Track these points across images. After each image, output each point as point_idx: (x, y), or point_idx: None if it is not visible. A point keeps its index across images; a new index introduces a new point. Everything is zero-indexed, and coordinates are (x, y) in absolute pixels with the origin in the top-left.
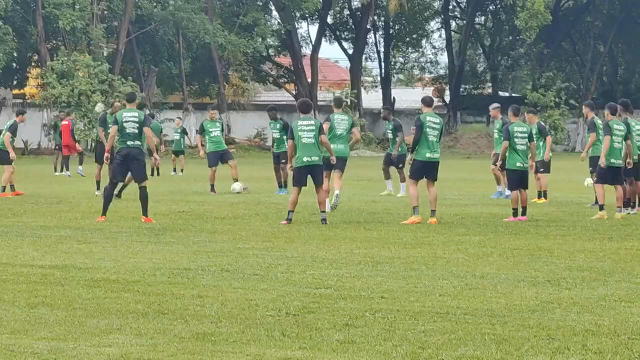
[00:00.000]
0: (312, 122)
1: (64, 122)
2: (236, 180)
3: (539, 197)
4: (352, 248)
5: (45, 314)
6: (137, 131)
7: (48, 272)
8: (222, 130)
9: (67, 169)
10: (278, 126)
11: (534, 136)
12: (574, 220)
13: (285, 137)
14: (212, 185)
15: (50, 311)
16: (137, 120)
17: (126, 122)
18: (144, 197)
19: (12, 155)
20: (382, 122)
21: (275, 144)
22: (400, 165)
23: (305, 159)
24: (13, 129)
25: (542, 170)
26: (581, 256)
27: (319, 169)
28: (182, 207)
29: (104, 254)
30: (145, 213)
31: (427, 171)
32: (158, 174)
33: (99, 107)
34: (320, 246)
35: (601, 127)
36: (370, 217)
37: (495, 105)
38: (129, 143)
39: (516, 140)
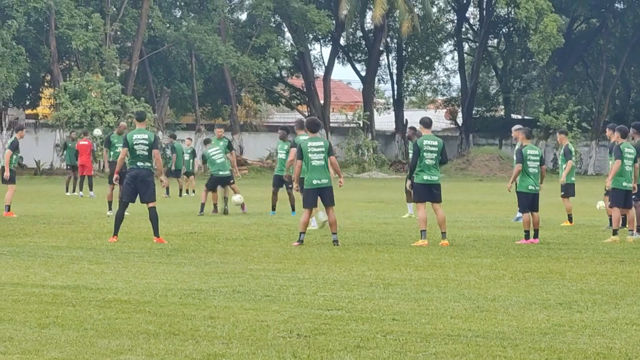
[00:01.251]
0: (322, 143)
1: (82, 142)
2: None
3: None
4: (364, 269)
5: (56, 334)
6: (146, 153)
7: (59, 292)
8: (225, 150)
9: (81, 189)
10: (286, 147)
11: (559, 158)
12: (585, 243)
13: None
14: (202, 205)
15: (61, 331)
16: (146, 142)
17: (136, 144)
18: (153, 218)
19: (6, 174)
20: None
21: (278, 166)
22: None
23: (314, 182)
24: (14, 146)
25: (562, 194)
26: (593, 279)
27: (329, 191)
28: (194, 227)
29: (115, 275)
30: (156, 233)
31: (428, 193)
32: (167, 193)
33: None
34: (331, 267)
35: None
36: (382, 239)
37: (518, 126)
38: (138, 164)
39: (529, 162)
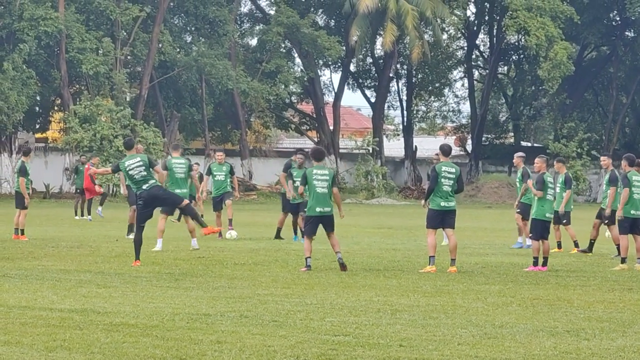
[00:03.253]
0: (327, 172)
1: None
2: (230, 221)
3: (559, 247)
4: (371, 295)
5: (63, 358)
6: (145, 173)
7: (67, 316)
8: (228, 174)
9: (89, 213)
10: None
11: (559, 185)
12: (593, 271)
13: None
14: (220, 233)
15: (69, 355)
16: (141, 163)
17: (130, 169)
18: (191, 212)
19: (27, 201)
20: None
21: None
22: None
23: (317, 209)
24: (23, 171)
25: (564, 221)
26: (600, 307)
27: (330, 219)
28: (202, 252)
29: (123, 298)
30: (202, 224)
31: (443, 220)
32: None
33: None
34: (339, 293)
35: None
36: (390, 265)
37: (520, 153)
38: (144, 187)
39: (548, 190)
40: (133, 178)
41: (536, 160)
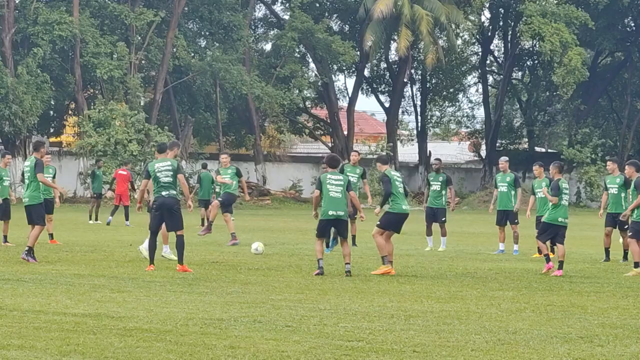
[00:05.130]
0: (341, 177)
1: (121, 171)
2: (208, 219)
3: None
4: (385, 301)
5: None
6: (171, 179)
7: (80, 320)
8: (234, 177)
9: (127, 219)
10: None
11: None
12: (607, 277)
13: None
14: (233, 234)
15: (82, 359)
16: (170, 168)
17: (159, 171)
18: (180, 245)
19: (56, 202)
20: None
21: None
22: (443, 219)
23: (330, 212)
24: (39, 168)
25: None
26: (614, 313)
27: (344, 223)
28: (216, 257)
29: (136, 303)
30: (180, 261)
31: (398, 224)
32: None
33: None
34: (353, 299)
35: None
36: (404, 270)
37: (504, 158)
38: (163, 193)
39: (563, 195)
40: (157, 180)
41: (501, 162)
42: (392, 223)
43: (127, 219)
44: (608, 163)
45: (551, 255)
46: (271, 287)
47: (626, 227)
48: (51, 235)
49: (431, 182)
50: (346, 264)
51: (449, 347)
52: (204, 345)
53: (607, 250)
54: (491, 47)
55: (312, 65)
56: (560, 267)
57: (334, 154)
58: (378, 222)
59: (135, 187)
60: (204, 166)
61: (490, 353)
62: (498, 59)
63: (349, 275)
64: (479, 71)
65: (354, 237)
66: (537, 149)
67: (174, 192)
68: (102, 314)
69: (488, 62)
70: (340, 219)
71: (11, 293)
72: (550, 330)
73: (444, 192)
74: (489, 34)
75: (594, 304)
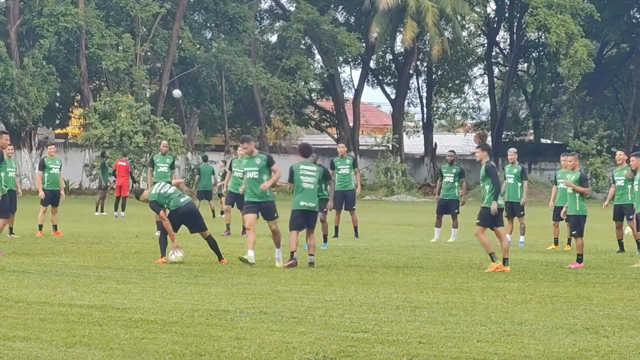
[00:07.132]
0: (315, 168)
1: (120, 162)
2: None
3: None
4: (391, 292)
5: (82, 354)
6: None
7: (86, 312)
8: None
9: (123, 209)
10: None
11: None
12: (613, 268)
13: (323, 185)
14: (227, 225)
15: (88, 351)
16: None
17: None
18: (213, 244)
19: (40, 194)
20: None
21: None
22: (456, 211)
23: (302, 203)
24: (41, 165)
25: (521, 213)
26: (620, 304)
27: (314, 215)
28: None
29: (142, 294)
30: (220, 257)
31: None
32: (213, 216)
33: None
34: (358, 290)
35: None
36: (409, 262)
37: (513, 149)
38: (181, 200)
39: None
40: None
41: (569, 158)
42: (489, 217)
43: (122, 210)
44: (618, 153)
45: (567, 248)
46: (277, 279)
47: (630, 217)
48: (55, 227)
49: (444, 174)
50: (310, 254)
51: (455, 338)
52: (209, 336)
53: (620, 242)
54: (497, 39)
55: (317, 56)
56: (580, 260)
57: (306, 143)
58: (478, 220)
59: (135, 178)
60: (205, 158)
61: (496, 344)
62: (504, 51)
63: (312, 266)
64: (485, 63)
65: (355, 228)
66: (543, 140)
67: (189, 198)
68: (107, 306)
69: (494, 53)
70: (311, 210)
71: (16, 285)
72: (555, 322)
73: (456, 184)
74: (495, 25)
75: (599, 295)
